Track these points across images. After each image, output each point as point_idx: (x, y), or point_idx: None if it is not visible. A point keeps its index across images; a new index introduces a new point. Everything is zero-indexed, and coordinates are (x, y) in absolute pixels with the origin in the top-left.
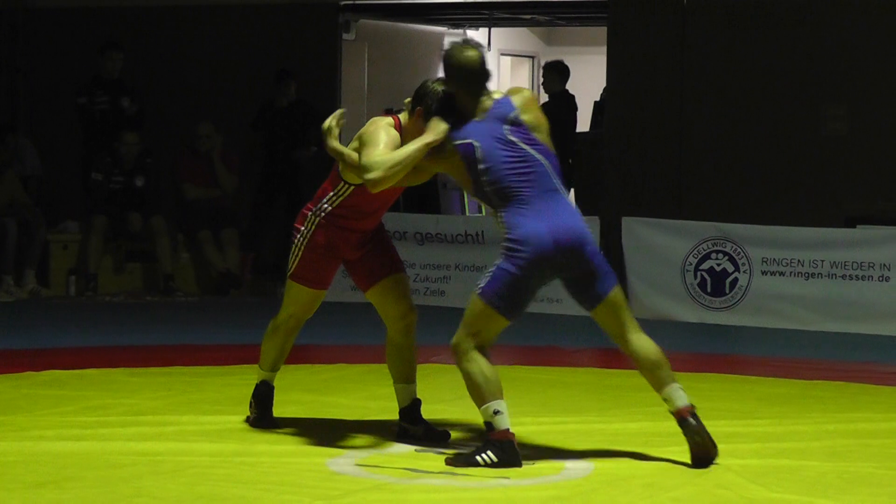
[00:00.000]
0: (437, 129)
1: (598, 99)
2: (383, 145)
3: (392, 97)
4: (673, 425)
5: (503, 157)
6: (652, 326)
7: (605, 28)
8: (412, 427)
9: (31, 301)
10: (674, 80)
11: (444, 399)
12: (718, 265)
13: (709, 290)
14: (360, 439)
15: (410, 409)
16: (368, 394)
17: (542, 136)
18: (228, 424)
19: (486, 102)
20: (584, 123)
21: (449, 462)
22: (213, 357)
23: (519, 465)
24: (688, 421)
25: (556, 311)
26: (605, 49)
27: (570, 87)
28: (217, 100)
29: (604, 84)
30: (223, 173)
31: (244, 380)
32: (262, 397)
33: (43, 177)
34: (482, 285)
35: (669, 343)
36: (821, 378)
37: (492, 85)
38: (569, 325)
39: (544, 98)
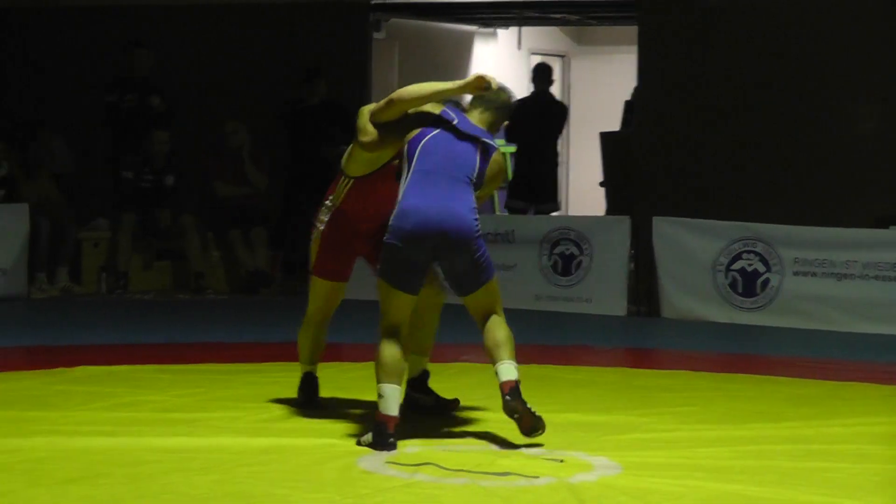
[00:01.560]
0: (480, 73)
1: (628, 98)
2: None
3: None
4: (703, 425)
5: (454, 141)
6: (683, 327)
7: (635, 27)
8: (423, 398)
9: (63, 298)
10: (704, 79)
11: (475, 398)
12: (750, 265)
13: (740, 290)
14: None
15: (420, 378)
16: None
17: (488, 174)
18: (257, 422)
19: (483, 126)
20: (614, 123)
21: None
22: (242, 355)
23: (389, 448)
24: (504, 392)
25: (586, 311)
26: (635, 48)
27: (602, 86)
28: (246, 98)
29: (634, 83)
30: (253, 171)
31: (273, 377)
32: (306, 386)
33: (75, 174)
34: (378, 265)
35: (700, 343)
36: (852, 379)
37: (521, 84)
38: (598, 324)
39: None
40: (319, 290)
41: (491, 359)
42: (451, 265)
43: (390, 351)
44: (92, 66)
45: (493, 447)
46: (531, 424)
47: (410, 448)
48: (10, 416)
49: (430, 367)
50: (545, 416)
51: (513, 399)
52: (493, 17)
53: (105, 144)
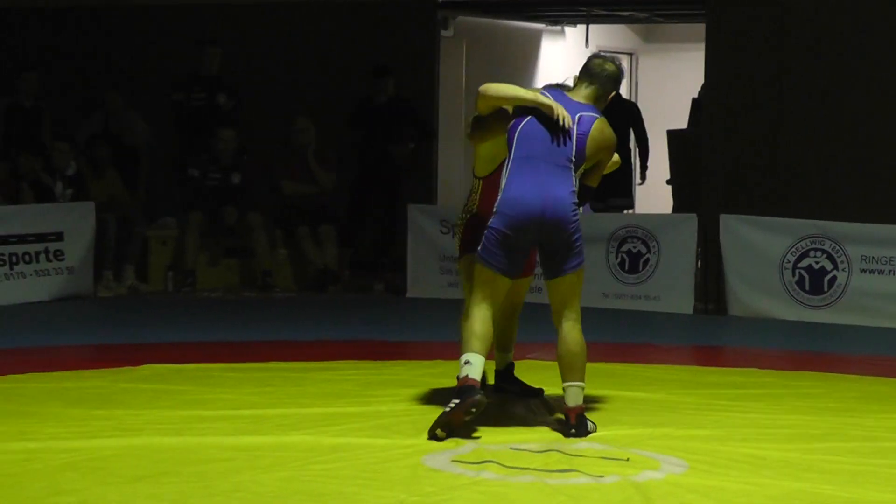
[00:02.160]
0: (548, 100)
1: (695, 96)
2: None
3: None
4: (771, 422)
5: (553, 124)
6: (750, 324)
7: (703, 24)
8: (509, 387)
9: (130, 296)
10: (772, 76)
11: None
12: (817, 263)
13: (807, 288)
14: (457, 435)
15: (506, 371)
16: None
17: (589, 164)
18: (325, 420)
19: (589, 101)
20: (682, 121)
21: (430, 429)
22: (310, 353)
23: (474, 400)
24: (569, 423)
25: (653, 309)
26: (703, 46)
27: (669, 83)
28: (314, 96)
29: (702, 81)
30: (318, 170)
31: (342, 375)
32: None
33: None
34: (479, 248)
35: (768, 341)
36: None
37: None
38: (665, 322)
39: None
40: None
41: (561, 372)
42: (547, 246)
43: (480, 324)
44: (162, 63)
45: (558, 445)
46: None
47: (474, 446)
48: (77, 415)
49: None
50: (612, 415)
51: (578, 432)
52: (560, 15)
53: (173, 143)
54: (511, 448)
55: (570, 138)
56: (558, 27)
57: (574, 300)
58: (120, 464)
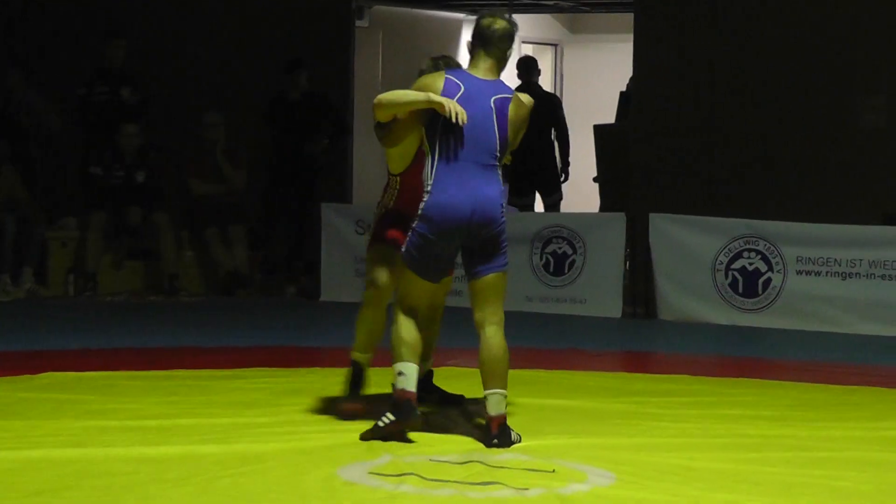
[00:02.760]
0: (441, 99)
1: (623, 89)
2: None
3: (407, 85)
4: (702, 431)
5: (472, 117)
6: (681, 329)
7: (631, 14)
8: (428, 395)
9: (29, 301)
10: (704, 68)
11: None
12: (751, 264)
13: (740, 290)
14: (374, 446)
15: (424, 380)
16: (385, 400)
17: (512, 147)
18: (235, 430)
19: (493, 73)
20: (609, 115)
21: (361, 437)
22: (219, 360)
23: (414, 420)
24: (491, 432)
25: (579, 312)
26: (631, 36)
27: (596, 76)
28: (225, 91)
29: (630, 74)
30: (228, 168)
31: (251, 383)
32: (349, 375)
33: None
34: (403, 249)
35: (699, 346)
36: (858, 384)
37: (511, 73)
38: (592, 326)
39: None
40: (377, 258)
41: (483, 379)
42: (472, 244)
43: (410, 330)
44: (65, 57)
45: (480, 456)
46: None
47: (391, 458)
48: None
49: None
50: (536, 424)
51: (501, 442)
52: (481, 4)
53: (76, 139)
54: (430, 460)
55: (493, 130)
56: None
57: (497, 302)
58: (18, 478)
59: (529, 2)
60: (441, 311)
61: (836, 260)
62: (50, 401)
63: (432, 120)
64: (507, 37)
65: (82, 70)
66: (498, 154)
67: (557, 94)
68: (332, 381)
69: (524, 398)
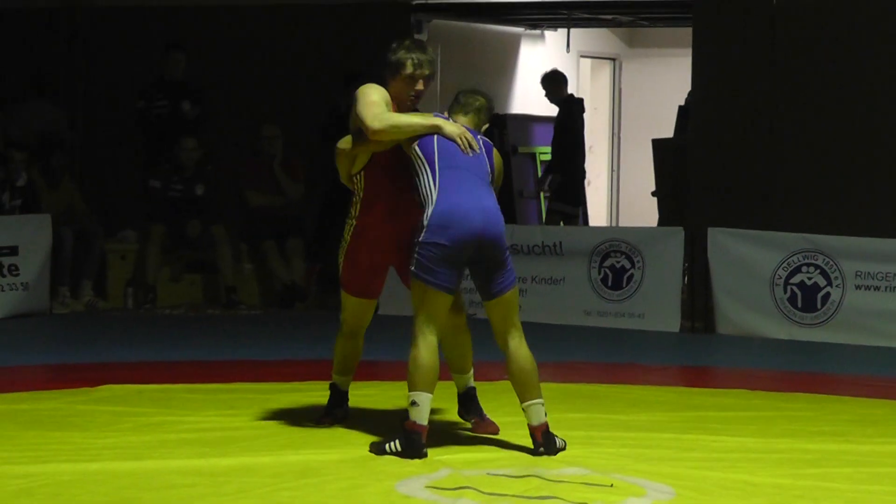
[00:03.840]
0: (451, 125)
1: (682, 104)
2: (379, 97)
3: None
4: (762, 446)
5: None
6: (740, 343)
7: (690, 29)
8: (467, 415)
9: (88, 313)
10: (763, 84)
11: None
12: (809, 279)
13: (799, 305)
14: (432, 460)
15: (466, 394)
16: (440, 412)
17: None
18: (294, 443)
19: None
20: (667, 129)
21: (370, 449)
22: (277, 373)
23: (420, 457)
24: (537, 442)
25: (638, 327)
26: (689, 51)
27: (655, 90)
28: (283, 103)
29: (688, 88)
30: (285, 181)
31: (310, 396)
32: (333, 396)
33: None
34: (413, 267)
35: (758, 361)
36: None
37: (570, 88)
38: (651, 341)
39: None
40: (347, 305)
41: (518, 392)
42: (484, 266)
43: (428, 356)
44: (125, 69)
45: (538, 470)
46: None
47: (449, 471)
48: (32, 438)
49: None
50: (594, 438)
51: (547, 450)
52: (540, 18)
53: (134, 152)
54: (488, 473)
55: (485, 160)
56: (538, 31)
57: (516, 317)
58: (77, 490)
59: (588, 16)
60: (466, 332)
61: (895, 275)
62: (108, 413)
63: (423, 141)
64: (487, 110)
65: (142, 83)
66: (489, 176)
67: (616, 108)
68: (390, 395)
69: (582, 412)
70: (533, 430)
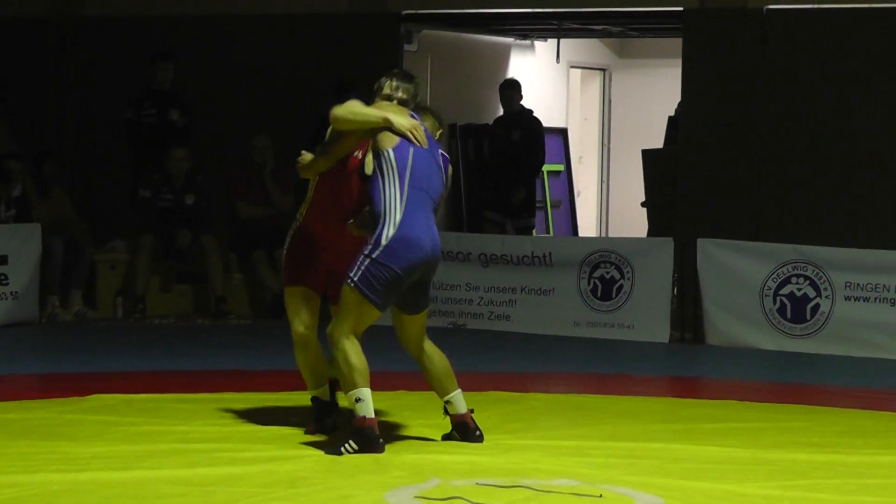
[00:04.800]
0: (400, 118)
1: (672, 114)
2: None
3: (456, 110)
4: (751, 457)
5: (430, 155)
6: (729, 354)
7: (679, 39)
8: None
9: (77, 323)
10: (752, 95)
11: (508, 430)
12: (799, 290)
13: (789, 316)
14: (422, 470)
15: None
16: (429, 422)
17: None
18: (282, 453)
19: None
20: (657, 140)
21: (326, 452)
22: (266, 383)
23: (379, 450)
24: (466, 424)
25: (627, 338)
26: (679, 61)
27: (644, 101)
28: (273, 113)
29: (678, 98)
30: (275, 192)
31: (299, 407)
32: (319, 409)
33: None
34: (355, 278)
35: (747, 372)
36: None
37: (560, 98)
38: (640, 352)
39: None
40: (292, 302)
41: (440, 387)
42: (416, 288)
43: (358, 356)
44: (115, 79)
45: (526, 481)
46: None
47: (438, 481)
48: (22, 448)
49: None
50: (583, 449)
51: (480, 432)
52: (530, 29)
53: (124, 162)
54: (477, 483)
55: (441, 178)
56: (528, 41)
57: (424, 327)
58: (67, 500)
59: (578, 27)
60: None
61: (884, 286)
62: (98, 423)
63: (402, 144)
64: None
65: (131, 92)
66: (439, 199)
67: (605, 118)
68: (380, 406)
69: (572, 423)
70: (463, 417)
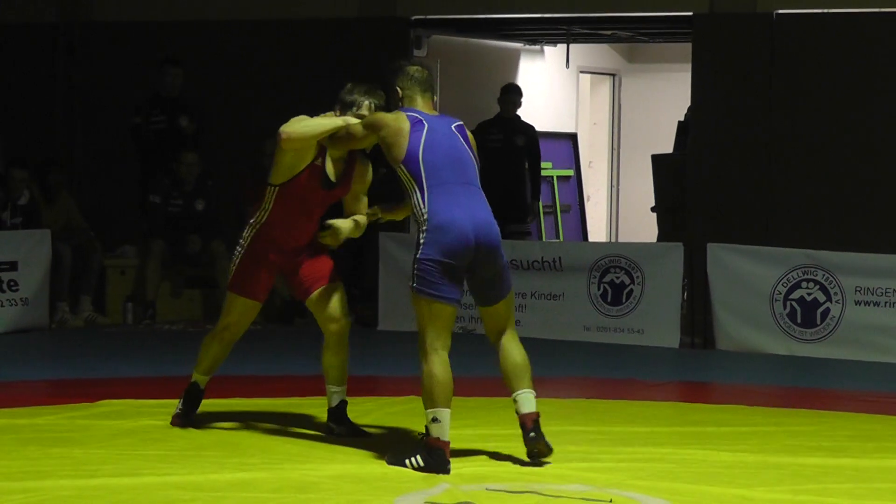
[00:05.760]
0: (353, 118)
1: (681, 119)
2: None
3: (465, 115)
4: (761, 461)
5: (444, 143)
6: (739, 359)
7: (689, 44)
8: (336, 426)
9: (87, 329)
10: (762, 99)
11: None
12: (809, 294)
13: (799, 320)
14: (431, 476)
15: (337, 410)
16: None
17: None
18: (292, 458)
19: (434, 111)
20: (667, 144)
21: (387, 460)
22: (276, 388)
23: (445, 472)
24: (525, 425)
25: (637, 342)
26: (689, 66)
27: (654, 106)
28: (283, 118)
29: (688, 103)
30: None
31: (310, 411)
32: (190, 396)
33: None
34: (413, 283)
35: (757, 376)
36: None
37: (570, 103)
38: (650, 356)
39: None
40: (233, 306)
41: (509, 384)
42: (481, 275)
43: (442, 371)
44: (123, 85)
45: (536, 486)
46: (544, 454)
47: (447, 486)
48: (32, 453)
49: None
50: (593, 453)
51: (536, 437)
52: (539, 34)
53: (133, 167)
54: (487, 489)
55: (468, 152)
56: (537, 46)
57: (512, 318)
58: None
59: (587, 32)
60: (345, 343)
61: (894, 290)
62: (107, 428)
63: (411, 153)
64: (432, 79)
65: (139, 98)
66: (478, 174)
67: (615, 123)
68: (388, 411)
69: (581, 427)
70: (524, 417)
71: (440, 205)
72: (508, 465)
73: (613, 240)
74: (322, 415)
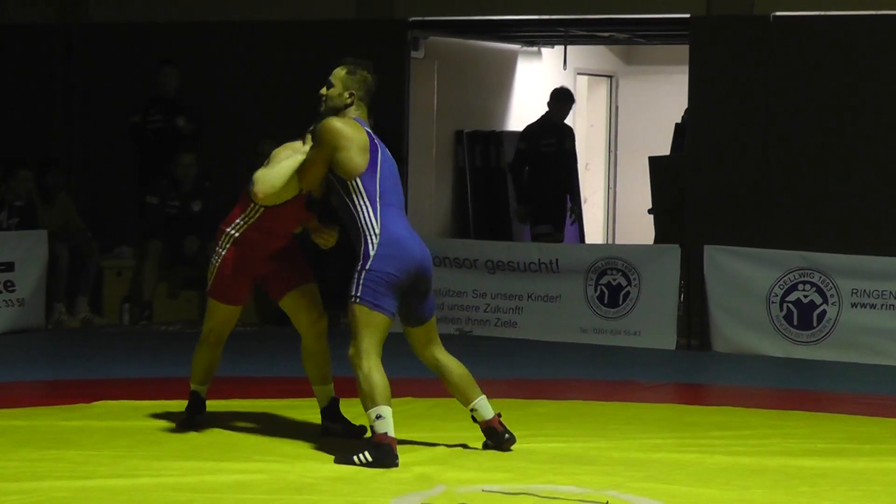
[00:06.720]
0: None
1: (678, 121)
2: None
3: (462, 117)
4: (757, 463)
5: (391, 164)
6: (735, 361)
7: (686, 46)
8: (332, 425)
9: (84, 330)
10: (759, 102)
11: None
12: (805, 297)
13: (795, 322)
14: (427, 476)
15: (329, 408)
16: (435, 428)
17: None
18: (288, 459)
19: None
20: (664, 146)
21: (335, 460)
22: (273, 389)
23: (394, 465)
24: (495, 429)
25: (634, 344)
26: (686, 69)
27: (651, 108)
28: (280, 119)
29: (685, 105)
30: None
31: (306, 413)
32: (191, 406)
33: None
34: (358, 293)
35: (754, 378)
36: None
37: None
38: (647, 358)
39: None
40: (214, 312)
41: (460, 396)
42: (419, 291)
43: (379, 374)
44: (121, 85)
45: (532, 487)
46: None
47: (444, 488)
48: (28, 455)
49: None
50: (589, 455)
51: (511, 437)
52: (537, 35)
53: (130, 168)
54: (483, 490)
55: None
56: (535, 48)
57: (436, 335)
58: None
59: (585, 33)
60: (325, 340)
61: (891, 293)
62: (104, 430)
63: (370, 169)
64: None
65: (137, 98)
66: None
67: (612, 125)
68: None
69: (578, 430)
70: (490, 423)
71: (392, 222)
72: (505, 466)
73: (610, 242)
74: (317, 416)
